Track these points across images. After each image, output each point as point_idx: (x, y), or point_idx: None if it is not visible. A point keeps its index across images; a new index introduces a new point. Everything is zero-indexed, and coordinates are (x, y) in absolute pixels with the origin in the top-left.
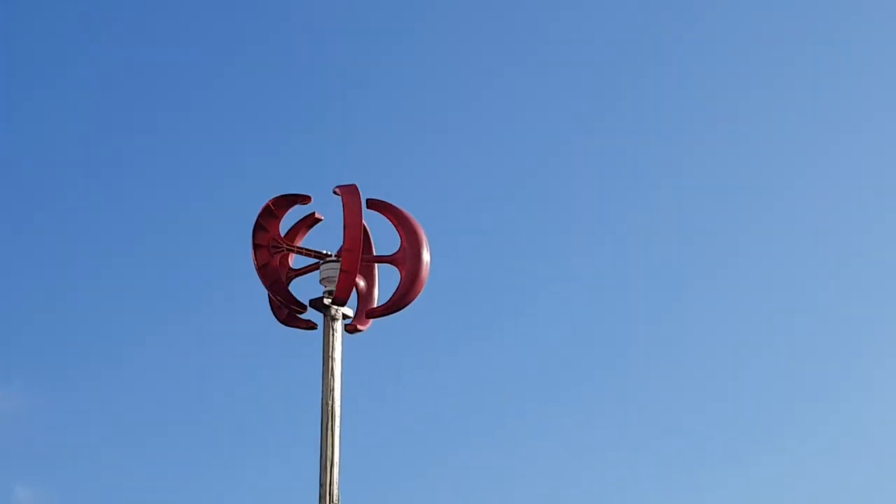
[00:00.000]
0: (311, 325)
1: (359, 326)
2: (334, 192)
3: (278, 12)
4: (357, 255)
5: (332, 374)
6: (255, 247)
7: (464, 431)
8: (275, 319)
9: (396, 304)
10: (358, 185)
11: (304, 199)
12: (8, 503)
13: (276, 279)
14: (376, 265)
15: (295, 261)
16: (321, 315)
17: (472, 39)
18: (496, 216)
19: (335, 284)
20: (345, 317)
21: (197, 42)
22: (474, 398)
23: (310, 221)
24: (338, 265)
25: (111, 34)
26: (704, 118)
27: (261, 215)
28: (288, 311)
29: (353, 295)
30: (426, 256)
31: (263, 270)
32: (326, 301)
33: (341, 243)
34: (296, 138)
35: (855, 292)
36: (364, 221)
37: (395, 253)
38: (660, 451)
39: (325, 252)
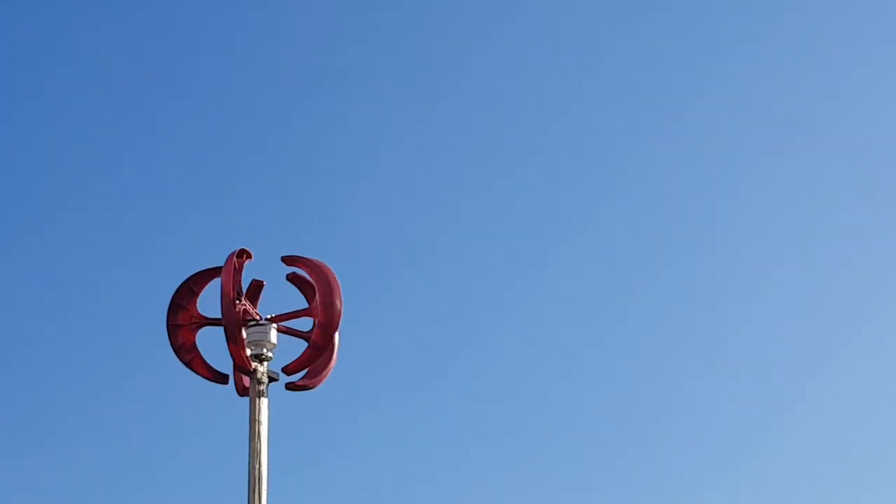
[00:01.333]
0: (221, 379)
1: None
2: (286, 262)
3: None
4: (331, 335)
5: (259, 438)
6: (172, 328)
7: (392, 495)
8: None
9: (309, 383)
10: (327, 263)
11: (217, 273)
12: None
13: (194, 356)
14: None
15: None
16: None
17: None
18: (411, 277)
19: (263, 347)
20: (272, 379)
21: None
22: (401, 461)
23: (255, 287)
24: (266, 329)
25: None
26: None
27: (178, 295)
28: (192, 356)
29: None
30: (338, 305)
31: (181, 349)
32: (253, 365)
33: (266, 307)
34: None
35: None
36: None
37: (310, 330)
38: None
39: (256, 314)
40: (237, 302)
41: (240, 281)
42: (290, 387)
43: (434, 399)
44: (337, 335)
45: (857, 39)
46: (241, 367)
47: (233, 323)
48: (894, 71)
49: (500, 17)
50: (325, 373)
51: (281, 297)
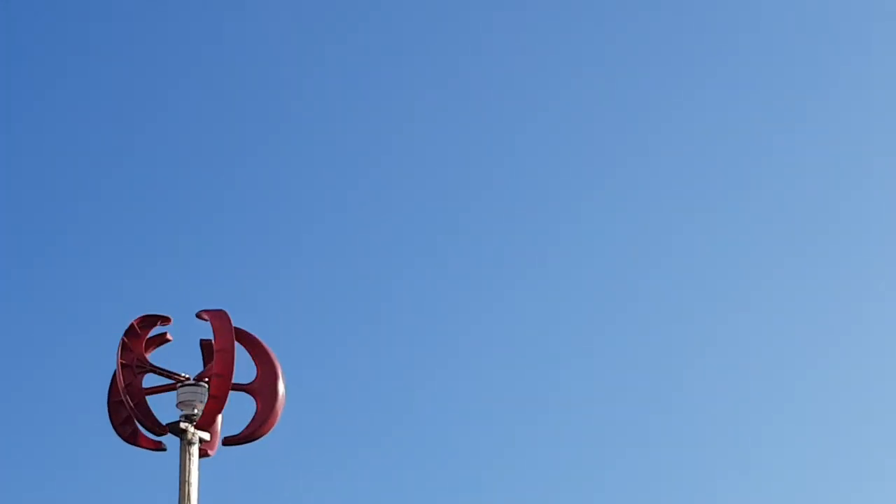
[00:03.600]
0: (158, 446)
1: (209, 451)
2: (199, 317)
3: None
4: (228, 382)
5: (189, 499)
6: (122, 366)
7: None
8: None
9: (252, 434)
10: (226, 311)
11: (164, 319)
12: None
13: (140, 399)
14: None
15: (146, 380)
16: (176, 439)
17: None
18: (351, 342)
19: (193, 408)
20: (202, 441)
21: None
22: None
23: (159, 341)
24: (196, 389)
25: None
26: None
27: (126, 334)
28: (133, 428)
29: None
30: (281, 389)
31: (129, 389)
32: (183, 425)
33: (199, 367)
34: (154, 260)
35: None
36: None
37: (252, 383)
38: None
39: (183, 375)
40: (139, 369)
41: (142, 347)
42: (228, 441)
43: (383, 456)
44: (281, 385)
45: None
46: (154, 432)
47: (129, 392)
48: None
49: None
50: (269, 422)
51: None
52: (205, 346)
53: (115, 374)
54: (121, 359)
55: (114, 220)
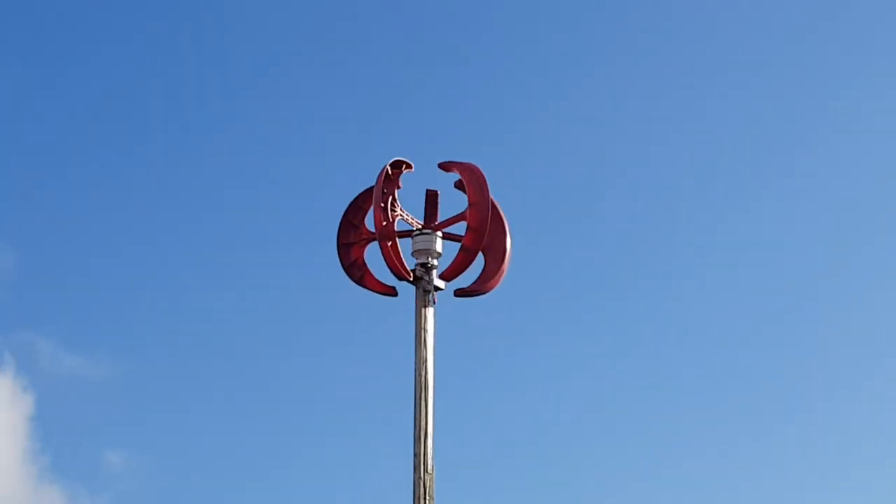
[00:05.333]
0: (390, 291)
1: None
2: (444, 168)
3: None
4: (482, 236)
5: (425, 346)
6: (342, 246)
7: (558, 404)
8: (350, 280)
9: (480, 288)
10: (479, 166)
11: (408, 165)
12: (99, 468)
13: (364, 272)
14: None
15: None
16: (412, 287)
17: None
18: (584, 197)
19: (429, 256)
20: (437, 289)
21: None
22: (567, 371)
23: (432, 197)
24: (432, 238)
25: None
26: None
27: (348, 213)
28: (362, 273)
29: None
30: (509, 245)
31: (352, 267)
32: (422, 273)
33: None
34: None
35: None
36: (438, 192)
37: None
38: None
39: (419, 222)
40: (392, 211)
41: (394, 190)
42: (459, 293)
43: (608, 316)
44: (508, 240)
45: None
46: (396, 273)
47: (384, 231)
48: None
49: None
50: (495, 279)
51: (457, 204)
52: (430, 196)
53: (344, 216)
54: (340, 239)
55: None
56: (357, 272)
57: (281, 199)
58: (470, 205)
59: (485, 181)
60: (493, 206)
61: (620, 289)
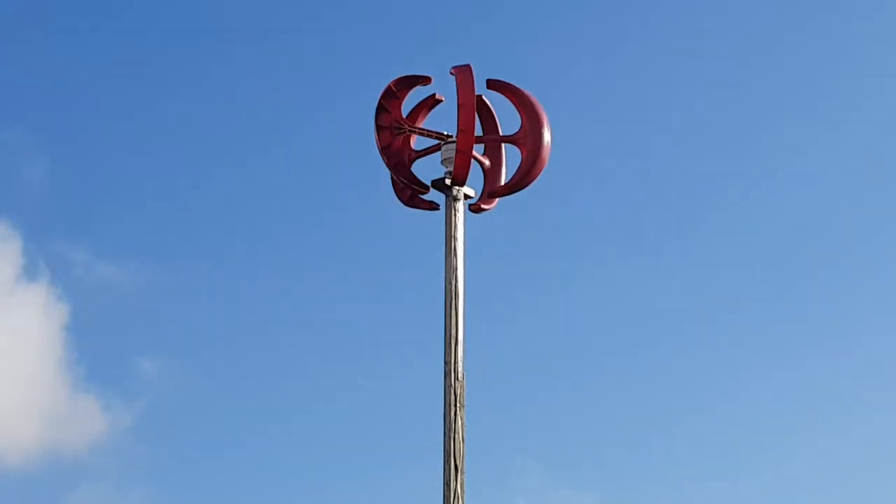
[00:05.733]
0: (433, 206)
1: (483, 206)
2: (451, 73)
3: None
4: (471, 136)
5: (455, 254)
6: (378, 128)
7: (587, 315)
8: (398, 200)
9: (518, 183)
10: (472, 66)
11: (424, 80)
12: (134, 376)
13: (398, 160)
14: (503, 146)
15: (417, 142)
16: (443, 196)
17: None
18: (620, 93)
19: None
20: (466, 197)
21: None
22: (596, 279)
23: (430, 103)
24: (453, 146)
25: None
26: None
27: (383, 96)
28: (411, 192)
29: (480, 175)
30: (547, 136)
31: (386, 152)
32: (448, 182)
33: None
34: (417, 19)
35: None
36: (488, 101)
37: (516, 133)
38: None
39: (446, 133)
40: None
41: (398, 114)
42: (492, 191)
43: (628, 226)
44: (546, 133)
45: None
46: (458, 178)
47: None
48: None
49: None
50: (532, 173)
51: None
52: (434, 101)
53: (378, 104)
54: (377, 121)
55: None
56: (406, 193)
57: (309, 94)
58: (459, 106)
59: (471, 81)
60: (526, 100)
61: (667, 195)
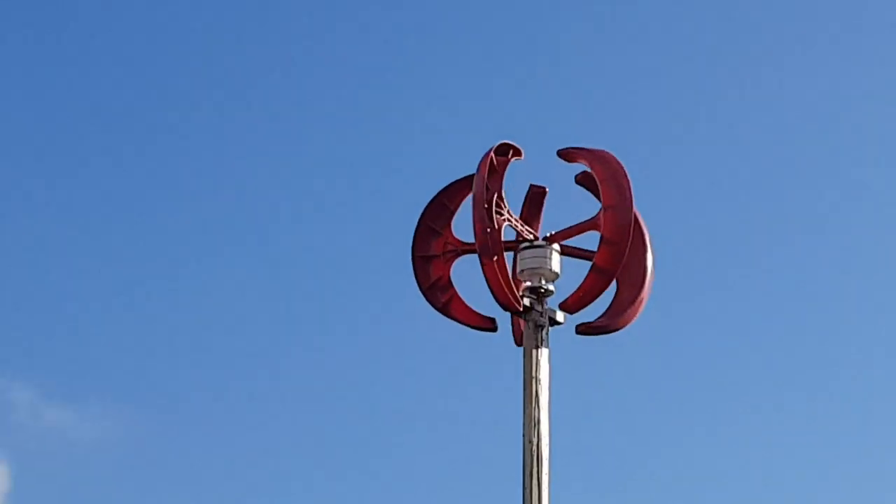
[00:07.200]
0: (489, 325)
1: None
2: (564, 156)
3: None
4: (622, 252)
5: (537, 402)
6: (420, 260)
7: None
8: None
9: (609, 325)
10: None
11: (516, 151)
12: None
13: (449, 297)
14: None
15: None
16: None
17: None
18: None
19: (541, 278)
20: (553, 323)
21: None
22: (710, 426)
23: (536, 197)
24: (544, 252)
25: None
26: None
27: (426, 215)
28: (449, 297)
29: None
30: (650, 264)
31: (432, 290)
32: (530, 301)
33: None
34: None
35: None
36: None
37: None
38: None
39: (528, 229)
40: (497, 215)
41: (500, 185)
42: (582, 329)
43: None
44: (650, 260)
45: None
46: (505, 304)
47: (489, 242)
48: None
49: None
50: (632, 311)
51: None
52: (534, 194)
53: (420, 224)
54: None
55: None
56: (440, 296)
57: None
58: (604, 208)
59: (626, 176)
60: (633, 214)
61: (788, 321)
